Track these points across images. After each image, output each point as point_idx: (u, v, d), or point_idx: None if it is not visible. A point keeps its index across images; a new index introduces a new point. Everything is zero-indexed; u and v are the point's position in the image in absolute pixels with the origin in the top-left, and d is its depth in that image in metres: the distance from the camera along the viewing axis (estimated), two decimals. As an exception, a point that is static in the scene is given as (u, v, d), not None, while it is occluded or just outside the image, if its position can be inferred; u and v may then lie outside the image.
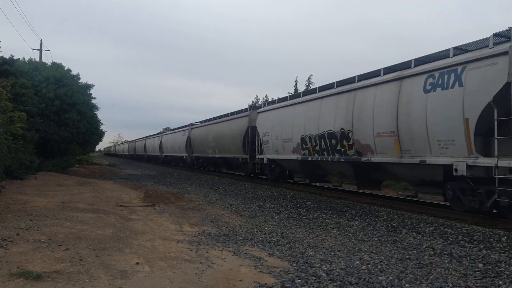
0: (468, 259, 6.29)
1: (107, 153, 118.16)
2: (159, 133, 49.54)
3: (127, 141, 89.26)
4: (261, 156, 19.14)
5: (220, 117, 26.12)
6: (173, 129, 40.95)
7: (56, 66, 25.17)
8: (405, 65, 11.10)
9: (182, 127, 36.02)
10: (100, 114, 32.31)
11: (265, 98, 54.69)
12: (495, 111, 8.27)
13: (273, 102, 19.37)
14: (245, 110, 22.72)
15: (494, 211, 9.40)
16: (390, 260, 6.20)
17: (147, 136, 56.93)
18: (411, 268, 5.77)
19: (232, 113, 24.17)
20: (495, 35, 8.64)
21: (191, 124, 32.72)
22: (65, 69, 25.19)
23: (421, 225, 8.91)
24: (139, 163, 52.62)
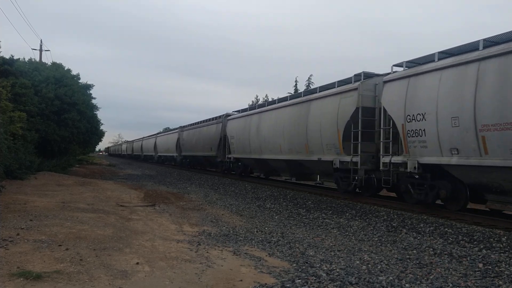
0: (468, 259, 6.30)
1: (113, 153, 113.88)
2: (173, 129, 41.70)
3: (129, 141, 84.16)
4: (398, 159, 10.84)
5: (284, 99, 17.98)
6: (192, 124, 33.17)
7: (56, 66, 25.20)
8: None
9: (210, 119, 28.35)
10: (100, 114, 32.34)
11: (265, 98, 54.25)
12: None
13: (430, 57, 10.27)
14: (343, 81, 13.79)
15: None
16: (390, 260, 6.20)
17: (158, 133, 49.61)
18: (411, 268, 5.77)
19: (314, 90, 15.74)
20: None
21: (227, 115, 25.01)
22: (65, 69, 25.23)
23: (421, 225, 8.92)
24: (141, 163, 52.49)
